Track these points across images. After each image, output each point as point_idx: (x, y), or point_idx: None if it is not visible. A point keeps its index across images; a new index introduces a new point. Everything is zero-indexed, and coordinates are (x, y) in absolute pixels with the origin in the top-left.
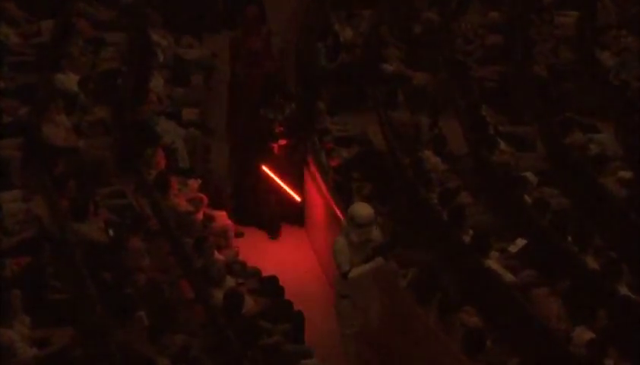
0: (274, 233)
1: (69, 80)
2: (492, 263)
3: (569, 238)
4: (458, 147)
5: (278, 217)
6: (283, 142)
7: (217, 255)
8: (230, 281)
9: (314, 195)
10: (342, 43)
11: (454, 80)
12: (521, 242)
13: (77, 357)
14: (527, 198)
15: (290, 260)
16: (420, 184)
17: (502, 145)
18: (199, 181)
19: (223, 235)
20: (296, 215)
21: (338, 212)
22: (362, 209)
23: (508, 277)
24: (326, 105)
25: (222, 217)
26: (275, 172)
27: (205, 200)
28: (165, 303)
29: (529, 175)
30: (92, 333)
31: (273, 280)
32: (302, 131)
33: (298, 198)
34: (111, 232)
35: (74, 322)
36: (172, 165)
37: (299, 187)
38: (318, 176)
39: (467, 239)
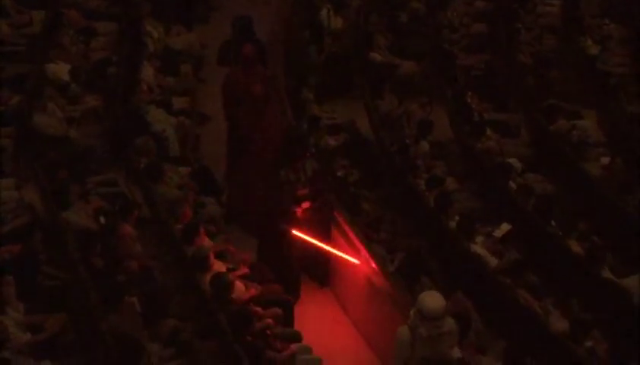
0: (295, 295)
1: (60, 70)
2: (478, 248)
3: (553, 222)
4: (444, 134)
5: (300, 278)
6: (306, 205)
7: (208, 242)
8: (219, 266)
9: (345, 252)
10: (330, 32)
11: (440, 68)
12: (505, 226)
13: (70, 343)
14: (511, 183)
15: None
16: (407, 171)
17: (488, 132)
18: (189, 168)
19: (213, 222)
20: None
21: (376, 268)
22: (433, 300)
23: (493, 261)
24: (314, 93)
25: (212, 204)
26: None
27: (195, 187)
28: (156, 288)
29: (514, 161)
30: (84, 319)
31: (262, 266)
32: (326, 189)
33: (356, 261)
34: (102, 219)
35: (66, 307)
36: (162, 153)
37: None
38: (348, 230)
39: (453, 224)
